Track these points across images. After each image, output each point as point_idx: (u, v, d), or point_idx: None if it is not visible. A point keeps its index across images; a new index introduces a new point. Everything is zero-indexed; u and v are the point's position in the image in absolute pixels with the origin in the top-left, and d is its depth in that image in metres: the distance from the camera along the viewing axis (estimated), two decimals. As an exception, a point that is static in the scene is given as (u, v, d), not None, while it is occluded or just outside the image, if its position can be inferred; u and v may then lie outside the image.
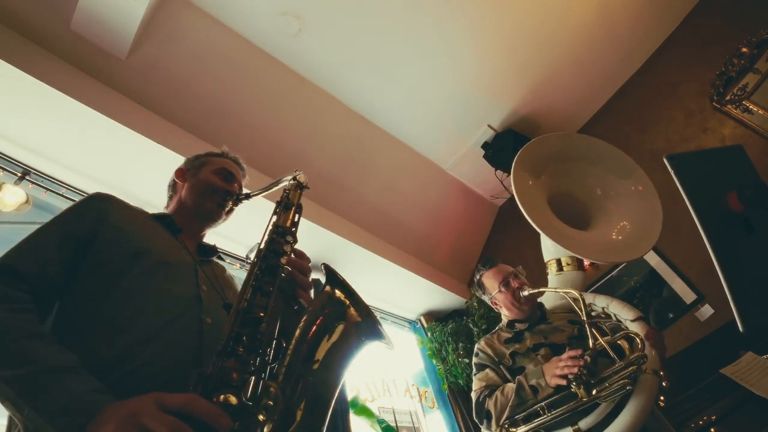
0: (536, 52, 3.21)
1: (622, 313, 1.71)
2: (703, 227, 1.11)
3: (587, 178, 1.99)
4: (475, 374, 1.74)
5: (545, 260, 2.12)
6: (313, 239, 3.06)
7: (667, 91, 3.25)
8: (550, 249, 2.10)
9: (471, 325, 3.46)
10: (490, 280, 1.92)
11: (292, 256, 0.99)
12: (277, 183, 1.19)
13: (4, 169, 2.35)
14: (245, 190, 1.29)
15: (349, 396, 2.86)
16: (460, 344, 3.36)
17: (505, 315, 1.90)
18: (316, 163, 3.27)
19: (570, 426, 1.43)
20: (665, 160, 1.17)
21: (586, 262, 2.18)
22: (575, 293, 1.55)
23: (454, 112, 3.48)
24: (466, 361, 3.20)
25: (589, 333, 1.45)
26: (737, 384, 1.87)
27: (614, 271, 3.13)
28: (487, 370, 1.69)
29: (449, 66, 3.18)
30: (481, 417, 1.60)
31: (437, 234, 3.98)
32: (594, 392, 1.39)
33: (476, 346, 1.83)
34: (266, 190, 1.20)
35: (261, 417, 0.68)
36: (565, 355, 1.47)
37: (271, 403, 0.70)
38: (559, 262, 2.05)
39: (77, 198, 2.57)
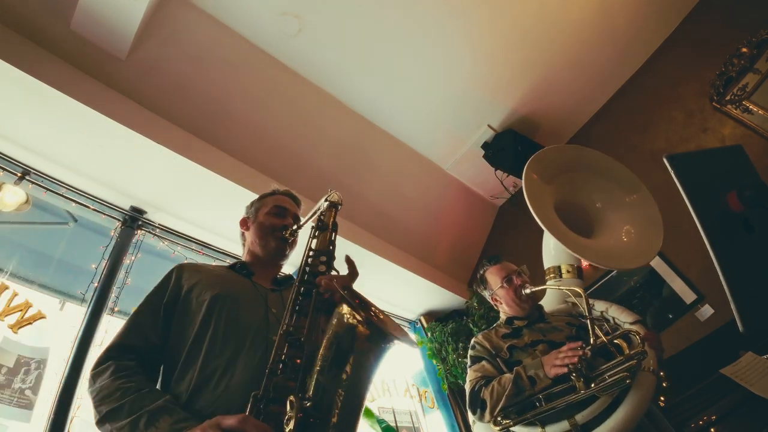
0: (536, 51, 3.21)
1: (621, 317, 1.72)
2: (703, 227, 1.11)
3: (594, 192, 2.01)
4: (470, 366, 1.72)
5: (545, 267, 2.12)
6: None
7: (667, 91, 3.25)
8: (551, 254, 2.10)
9: (471, 326, 3.45)
10: (493, 275, 1.92)
11: (329, 273, 1.12)
12: (316, 212, 1.29)
13: (4, 169, 2.35)
14: (302, 219, 1.41)
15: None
16: (460, 344, 3.35)
17: (505, 312, 1.90)
18: (316, 163, 3.27)
19: (566, 419, 1.43)
20: (665, 160, 1.17)
21: (586, 263, 2.18)
22: (578, 290, 1.55)
23: (454, 112, 3.48)
24: (466, 361, 3.19)
25: (590, 328, 1.45)
26: (737, 384, 1.86)
27: (614, 272, 3.11)
28: (484, 362, 1.68)
29: (449, 66, 3.18)
30: (474, 406, 1.56)
31: (437, 234, 3.97)
32: (593, 385, 1.39)
33: (473, 339, 1.82)
34: (311, 217, 1.29)
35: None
36: (565, 347, 1.46)
37: (312, 419, 0.81)
38: (558, 269, 2.05)
39: (77, 198, 2.58)
